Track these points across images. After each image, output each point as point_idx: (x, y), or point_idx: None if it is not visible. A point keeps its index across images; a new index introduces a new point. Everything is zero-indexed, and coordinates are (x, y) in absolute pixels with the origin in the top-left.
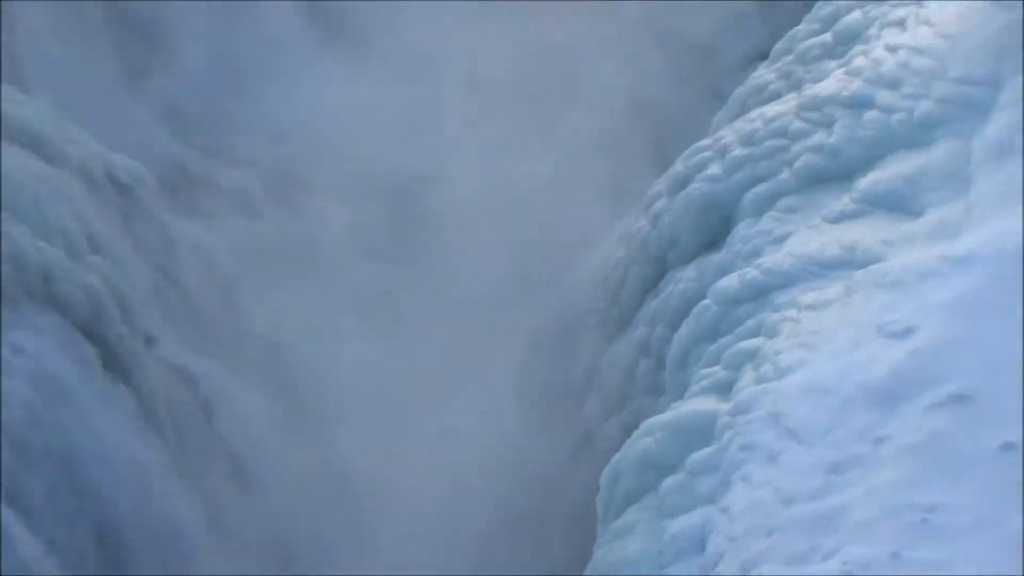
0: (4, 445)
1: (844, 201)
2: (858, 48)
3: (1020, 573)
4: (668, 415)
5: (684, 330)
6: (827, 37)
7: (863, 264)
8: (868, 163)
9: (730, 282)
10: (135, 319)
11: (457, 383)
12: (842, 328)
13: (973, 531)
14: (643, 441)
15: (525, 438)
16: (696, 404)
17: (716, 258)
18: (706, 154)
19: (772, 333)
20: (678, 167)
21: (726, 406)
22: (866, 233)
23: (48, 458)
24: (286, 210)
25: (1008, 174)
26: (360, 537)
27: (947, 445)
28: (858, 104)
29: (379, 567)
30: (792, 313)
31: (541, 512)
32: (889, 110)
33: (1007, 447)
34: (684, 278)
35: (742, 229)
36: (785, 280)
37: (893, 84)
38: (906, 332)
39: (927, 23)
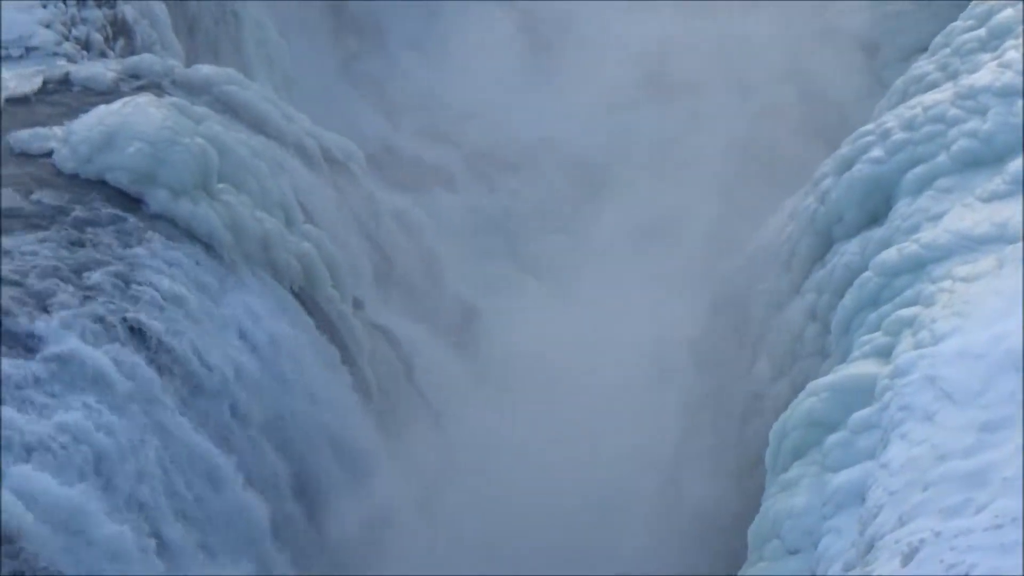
0: (225, 395)
1: (996, 182)
2: (1010, 42)
3: None
4: (832, 377)
5: (848, 298)
6: (981, 32)
7: (1012, 240)
8: (1018, 148)
9: (890, 255)
10: (344, 284)
11: (636, 345)
12: (993, 298)
13: None
14: (809, 400)
15: (698, 396)
16: (858, 367)
17: (878, 233)
18: (870, 138)
19: (929, 302)
20: (844, 149)
21: (886, 369)
22: (1015, 211)
23: (261, 405)
24: (483, 185)
25: None
26: (532, 507)
27: None
28: (1010, 93)
29: (549, 529)
30: (947, 284)
31: (715, 465)
32: None
33: None
34: (849, 251)
35: (902, 207)
36: (941, 253)
37: None
38: None
39: None
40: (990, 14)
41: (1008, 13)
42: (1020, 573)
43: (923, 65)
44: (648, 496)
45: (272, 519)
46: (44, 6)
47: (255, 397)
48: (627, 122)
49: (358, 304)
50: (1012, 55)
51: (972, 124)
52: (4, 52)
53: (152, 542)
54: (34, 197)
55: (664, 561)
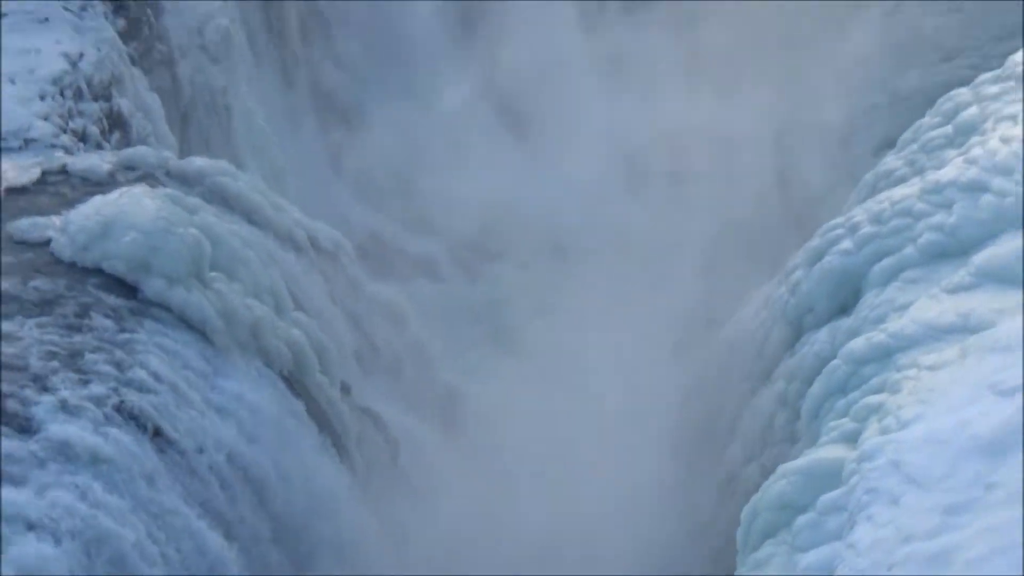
0: (213, 477)
1: (961, 274)
2: (975, 139)
3: None
4: (802, 461)
5: (817, 386)
6: (948, 129)
7: (977, 330)
8: (983, 241)
9: (858, 344)
10: (332, 369)
11: (617, 430)
12: (957, 386)
13: None
14: (779, 483)
15: (675, 478)
16: (827, 452)
17: (846, 323)
18: (839, 231)
19: (895, 390)
20: (815, 241)
21: (853, 454)
22: (980, 303)
23: (248, 484)
24: (466, 274)
25: None
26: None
27: None
28: (975, 188)
29: None
30: (913, 372)
31: (690, 543)
32: (1002, 194)
33: None
34: (818, 340)
35: (870, 297)
36: (907, 343)
37: (1006, 171)
38: (1014, 391)
39: None
40: (956, 111)
41: (973, 111)
42: None
43: (891, 160)
44: (630, 562)
45: None
46: (42, 99)
47: (244, 478)
48: (604, 211)
49: (345, 388)
50: (977, 151)
51: (938, 218)
52: (3, 144)
53: None
54: (32, 284)
55: None
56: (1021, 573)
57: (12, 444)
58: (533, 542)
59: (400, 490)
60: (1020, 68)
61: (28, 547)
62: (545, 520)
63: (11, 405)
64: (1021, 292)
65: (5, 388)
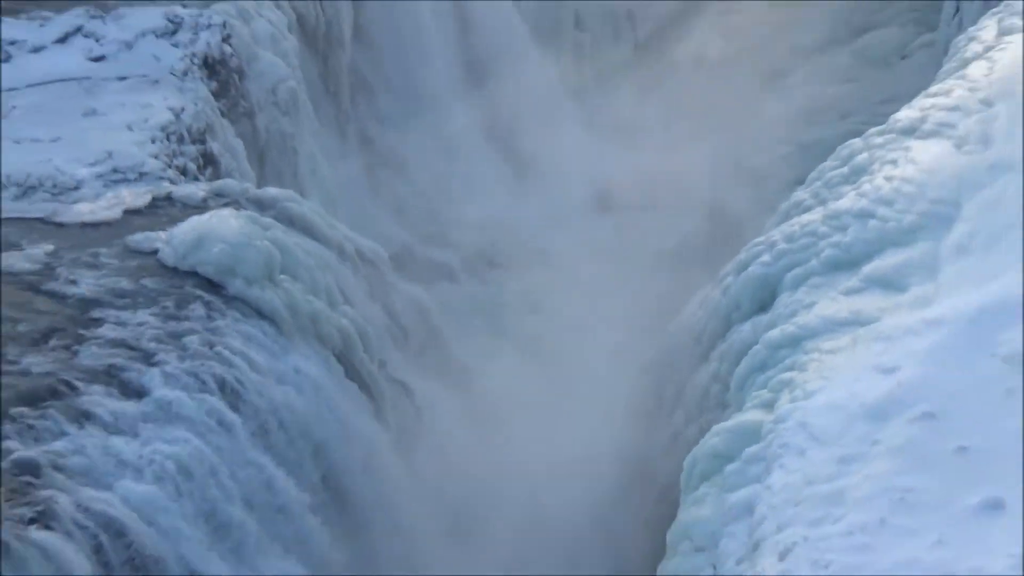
0: (280, 433)
1: (853, 281)
2: (865, 178)
3: (970, 539)
4: (731, 422)
5: (742, 365)
6: (844, 170)
7: (864, 323)
8: (870, 256)
9: (774, 333)
10: (371, 349)
11: (586, 397)
12: (849, 366)
13: (936, 507)
14: (713, 439)
15: (633, 434)
16: (749, 416)
17: (765, 318)
18: (760, 247)
19: (802, 368)
20: (741, 255)
21: (770, 417)
22: (867, 303)
23: (306, 439)
24: (475, 278)
25: (964, 266)
26: (510, 503)
27: (919, 447)
28: (864, 215)
29: (513, 523)
30: (816, 355)
31: (642, 483)
32: (885, 220)
33: (961, 449)
34: (743, 330)
35: (784, 298)
36: (812, 333)
37: (889, 202)
38: (893, 369)
39: (912, 162)
40: (851, 156)
41: (864, 156)
42: (870, 573)
43: (800, 194)
44: (596, 502)
45: (312, 511)
46: (153, 142)
47: (301, 431)
48: (583, 231)
49: (382, 364)
50: (866, 187)
51: (836, 238)
52: (122, 176)
53: (226, 533)
54: (143, 283)
55: (612, 548)
56: (894, 509)
57: (127, 405)
58: (523, 474)
59: (422, 442)
60: (899, 124)
61: (137, 486)
62: (532, 460)
63: (126, 375)
64: (899, 296)
65: (121, 362)
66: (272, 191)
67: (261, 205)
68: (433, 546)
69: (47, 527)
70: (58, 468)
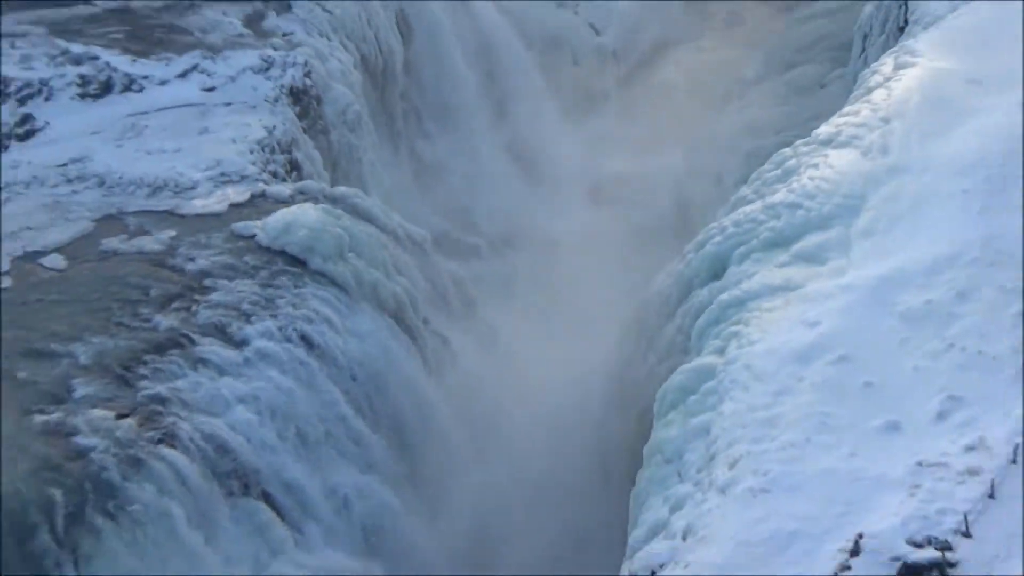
0: (349, 374)
1: (785, 257)
2: (794, 178)
3: (875, 452)
4: (692, 364)
5: (701, 320)
6: (778, 172)
7: (794, 289)
8: (798, 237)
9: (725, 296)
10: (418, 310)
11: (582, 343)
12: (782, 321)
13: (848, 428)
14: (679, 377)
15: (617, 372)
16: (706, 359)
17: (718, 284)
18: (714, 230)
19: (747, 323)
20: (700, 237)
21: (722, 360)
22: (796, 273)
23: (370, 379)
24: (497, 257)
25: (869, 245)
26: (520, 418)
27: (835, 383)
28: (793, 207)
29: (522, 431)
30: (757, 313)
31: (625, 406)
32: (809, 210)
33: (867, 384)
34: (701, 294)
35: (732, 269)
36: (754, 296)
37: (812, 196)
38: (815, 324)
39: (829, 166)
40: (783, 162)
41: (793, 161)
42: (799, 478)
43: (745, 190)
44: (588, 420)
45: (372, 432)
46: (251, 152)
47: (365, 372)
48: (581, 219)
49: (426, 322)
50: (795, 185)
51: (771, 224)
52: (228, 178)
53: (308, 450)
54: (244, 260)
55: (600, 452)
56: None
57: (231, 353)
58: (532, 399)
59: (455, 379)
60: (820, 137)
61: (241, 415)
62: (539, 389)
63: (230, 330)
64: (820, 268)
65: (227, 320)
66: (342, 189)
67: (334, 200)
68: (462, 450)
69: (171, 446)
70: (180, 401)
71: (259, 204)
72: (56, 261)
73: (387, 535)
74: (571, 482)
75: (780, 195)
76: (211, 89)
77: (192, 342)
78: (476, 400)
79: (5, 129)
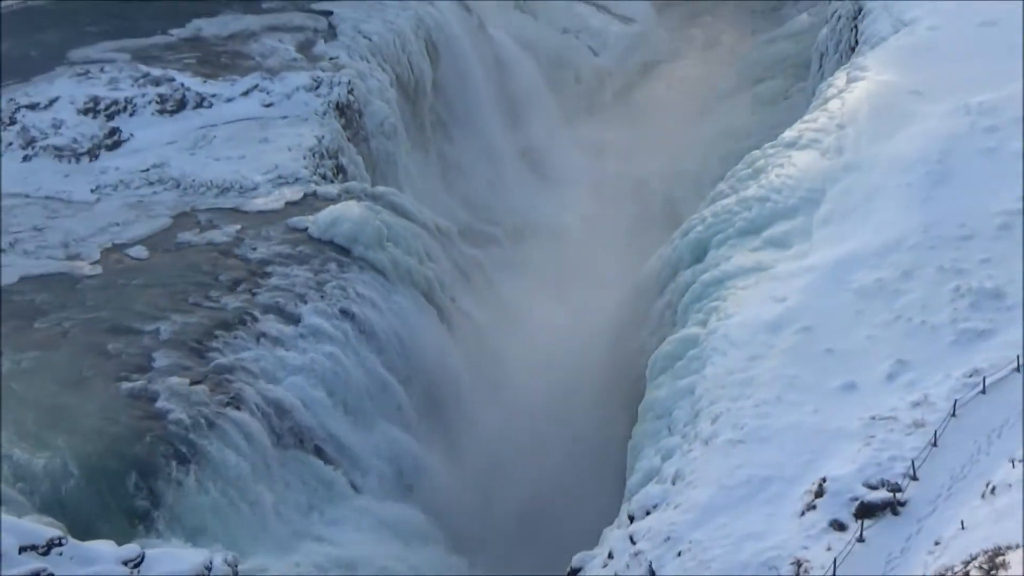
0: (388, 345)
1: (756, 243)
2: (763, 176)
3: (834, 409)
4: (679, 334)
5: (686, 297)
6: (750, 171)
7: (764, 270)
8: (767, 226)
9: (706, 276)
10: (446, 289)
11: (585, 314)
12: (755, 298)
13: (811, 388)
14: (668, 346)
15: (616, 339)
16: (691, 330)
17: (700, 267)
18: (696, 220)
19: (724, 299)
20: (684, 225)
21: (704, 331)
22: (766, 257)
23: (404, 348)
24: (513, 245)
25: (827, 232)
26: (531, 377)
27: (800, 349)
28: (763, 200)
29: (533, 387)
30: (733, 291)
31: (622, 368)
32: (776, 202)
33: (828, 351)
34: (686, 275)
35: (712, 254)
36: (730, 276)
37: (779, 191)
38: (783, 300)
39: (793, 165)
40: (754, 162)
41: (762, 162)
42: (772, 431)
43: (722, 186)
44: (590, 380)
45: (407, 395)
46: (304, 158)
47: (401, 343)
48: (583, 212)
49: (453, 298)
50: (764, 182)
51: (745, 214)
52: (285, 181)
53: (353, 410)
54: (298, 249)
55: (599, 407)
56: (786, 389)
57: (288, 328)
58: (542, 363)
59: (478, 348)
60: (784, 140)
61: (296, 381)
62: (548, 354)
63: (288, 309)
64: (786, 251)
65: (284, 300)
66: (381, 189)
67: (374, 198)
68: (480, 402)
69: (237, 408)
70: (245, 370)
71: (311, 202)
72: (140, 251)
73: (422, 480)
74: (573, 434)
75: (751, 190)
76: (270, 105)
77: (255, 319)
78: (493, 363)
79: (95, 141)
